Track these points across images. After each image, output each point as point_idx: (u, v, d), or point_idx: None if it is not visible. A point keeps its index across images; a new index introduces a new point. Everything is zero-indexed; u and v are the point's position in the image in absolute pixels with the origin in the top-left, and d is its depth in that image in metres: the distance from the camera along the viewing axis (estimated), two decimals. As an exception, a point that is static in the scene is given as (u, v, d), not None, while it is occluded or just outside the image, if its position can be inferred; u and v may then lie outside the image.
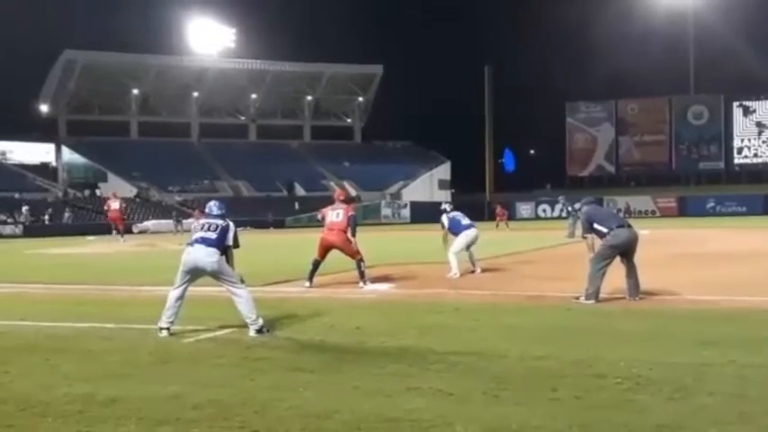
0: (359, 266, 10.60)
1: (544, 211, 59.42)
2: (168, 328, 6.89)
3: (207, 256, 6.87)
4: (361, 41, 67.83)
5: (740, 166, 68.92)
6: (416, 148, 72.95)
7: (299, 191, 63.95)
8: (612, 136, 72.15)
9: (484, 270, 12.63)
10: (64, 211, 48.50)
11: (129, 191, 56.63)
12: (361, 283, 10.57)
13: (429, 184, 68.29)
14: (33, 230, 41.84)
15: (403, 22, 76.38)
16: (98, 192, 56.35)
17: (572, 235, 21.81)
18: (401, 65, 68.37)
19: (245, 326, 6.91)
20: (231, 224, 7.18)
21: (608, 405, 4.38)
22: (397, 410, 4.30)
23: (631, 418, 4.11)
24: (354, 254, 10.57)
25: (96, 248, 23.88)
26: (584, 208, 9.35)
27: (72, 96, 65.26)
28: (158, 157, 60.72)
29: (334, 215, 10.63)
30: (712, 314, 7.67)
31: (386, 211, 59.24)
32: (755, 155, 68.80)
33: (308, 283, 10.57)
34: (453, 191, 71.30)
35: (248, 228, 37.92)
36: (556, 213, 50.37)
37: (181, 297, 6.98)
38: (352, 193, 61.96)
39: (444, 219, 12.35)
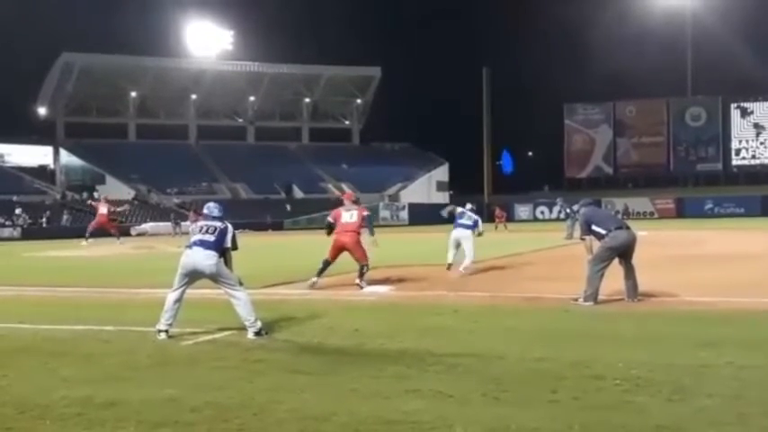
0: (361, 268, 10.66)
1: (542, 212, 59.48)
2: (167, 331, 6.89)
3: (206, 259, 6.87)
4: (359, 44, 67.91)
5: (738, 167, 68.99)
6: (415, 149, 72.96)
7: (298, 193, 63.95)
8: (610, 137, 72.20)
9: (484, 271, 12.64)
10: (62, 214, 48.44)
11: (128, 193, 56.58)
12: (357, 280, 10.61)
13: (427, 186, 68.32)
14: (31, 233, 41.78)
15: (401, 24, 76.55)
16: (96, 194, 56.33)
17: (570, 236, 21.84)
18: (399, 67, 68.45)
19: (243, 328, 6.91)
20: (230, 226, 7.17)
21: (607, 406, 4.38)
22: (396, 412, 4.30)
23: (630, 419, 4.12)
24: (362, 258, 10.63)
25: (94, 251, 23.85)
26: (583, 209, 9.37)
27: (70, 99, 65.21)
28: (156, 160, 60.67)
29: (348, 216, 10.69)
30: (710, 315, 7.69)
31: (384, 213, 59.19)
32: (753, 156, 68.88)
33: (315, 278, 10.61)
34: (451, 192, 71.32)
35: (246, 230, 37.90)
36: (554, 215, 50.43)
37: (179, 300, 6.98)
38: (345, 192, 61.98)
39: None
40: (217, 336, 7.04)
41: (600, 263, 8.49)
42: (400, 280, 11.70)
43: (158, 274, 11.45)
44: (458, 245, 12.64)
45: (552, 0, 69.92)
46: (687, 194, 61.38)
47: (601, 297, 8.49)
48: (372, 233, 10.89)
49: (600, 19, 62.65)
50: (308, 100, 74.73)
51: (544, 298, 9.29)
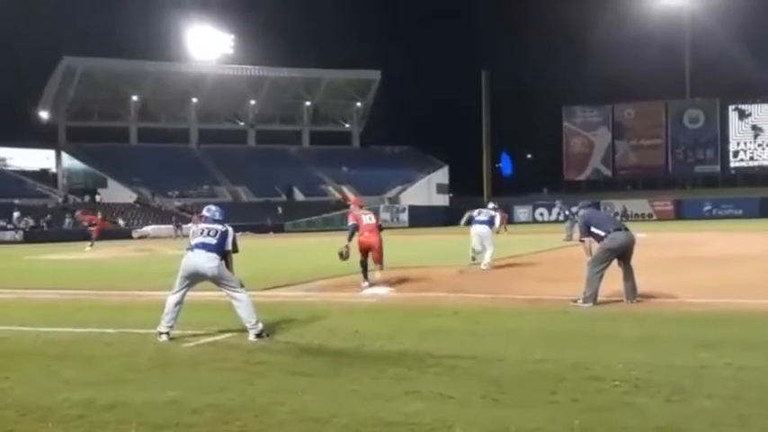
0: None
1: (541, 214, 59.47)
2: (168, 333, 6.91)
3: (207, 261, 6.89)
4: (358, 47, 67.94)
5: (736, 169, 68.96)
6: (414, 152, 73.01)
7: (298, 196, 63.97)
8: (609, 140, 72.20)
9: (484, 272, 12.65)
10: (64, 218, 48.47)
11: (129, 196, 56.65)
12: (378, 274, 11.03)
13: (427, 189, 68.33)
14: (33, 236, 41.80)
15: (400, 28, 76.53)
16: (98, 197, 56.36)
17: (569, 238, 21.87)
18: (399, 70, 68.53)
19: (244, 330, 6.93)
20: (230, 229, 7.20)
21: (606, 407, 4.39)
22: (396, 414, 4.31)
23: (630, 420, 4.13)
24: (379, 259, 11.10)
25: (96, 254, 23.88)
26: (582, 211, 9.39)
27: (71, 103, 65.29)
28: (158, 163, 60.74)
29: (367, 218, 11.30)
30: (709, 317, 7.69)
31: (384, 216, 59.21)
32: (751, 158, 68.87)
33: (366, 282, 11.03)
34: (451, 195, 71.35)
35: (247, 232, 37.91)
36: (553, 217, 50.42)
37: (180, 302, 7.00)
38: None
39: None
40: (218, 338, 7.05)
41: (599, 264, 8.51)
42: (400, 282, 11.71)
43: (159, 276, 11.47)
44: (481, 243, 13.50)
45: (551, 2, 70.02)
46: (685, 196, 61.34)
47: (600, 298, 8.51)
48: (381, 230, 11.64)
49: (599, 21, 62.74)
50: (308, 103, 74.82)
51: (544, 299, 9.30)
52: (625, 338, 6.57)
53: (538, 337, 6.74)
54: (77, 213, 33.79)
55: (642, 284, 8.82)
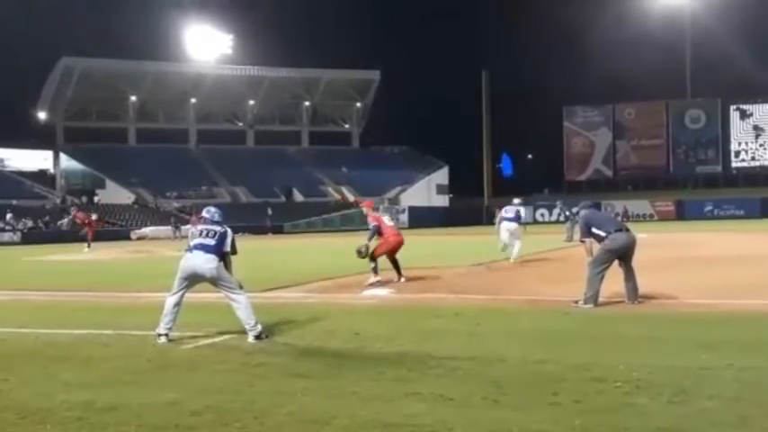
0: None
1: (542, 215, 59.46)
2: (167, 335, 6.89)
3: (206, 263, 6.87)
4: (358, 47, 67.97)
5: (737, 169, 68.98)
6: (414, 153, 72.98)
7: (298, 196, 63.95)
8: (610, 140, 72.20)
9: (484, 273, 12.65)
10: (62, 218, 48.41)
11: (128, 197, 56.61)
12: (402, 279, 11.46)
13: (427, 189, 68.30)
14: (31, 237, 41.77)
15: (400, 28, 76.56)
16: (96, 198, 56.31)
17: (570, 239, 21.85)
18: (398, 70, 68.53)
19: (243, 332, 6.91)
20: (229, 230, 7.18)
21: (608, 409, 4.38)
22: (397, 416, 4.30)
23: (631, 421, 4.12)
24: (397, 259, 11.70)
25: (94, 255, 23.85)
26: (583, 212, 9.37)
27: (69, 103, 65.24)
28: (156, 164, 60.68)
29: (387, 220, 11.98)
30: (711, 317, 7.68)
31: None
32: (753, 158, 68.90)
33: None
34: (451, 195, 71.36)
35: (246, 233, 37.86)
36: (554, 218, 50.41)
37: (178, 303, 6.98)
38: (350, 198, 61.99)
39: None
40: (217, 339, 7.03)
41: (600, 265, 8.50)
42: (401, 282, 11.69)
43: (158, 277, 11.44)
44: (511, 236, 14.40)
45: (551, 2, 70.00)
46: (687, 197, 61.35)
47: (601, 299, 8.49)
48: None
49: (599, 21, 62.72)
50: (307, 103, 74.79)
51: (545, 300, 9.29)
52: (626, 339, 6.56)
53: (539, 338, 6.73)
54: (72, 208, 33.69)
55: (643, 285, 8.80)
